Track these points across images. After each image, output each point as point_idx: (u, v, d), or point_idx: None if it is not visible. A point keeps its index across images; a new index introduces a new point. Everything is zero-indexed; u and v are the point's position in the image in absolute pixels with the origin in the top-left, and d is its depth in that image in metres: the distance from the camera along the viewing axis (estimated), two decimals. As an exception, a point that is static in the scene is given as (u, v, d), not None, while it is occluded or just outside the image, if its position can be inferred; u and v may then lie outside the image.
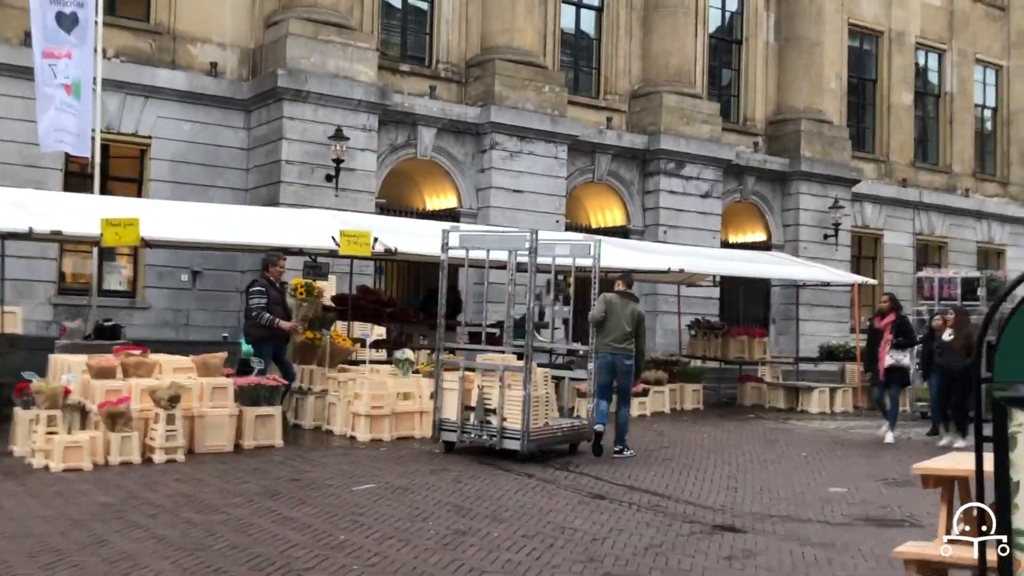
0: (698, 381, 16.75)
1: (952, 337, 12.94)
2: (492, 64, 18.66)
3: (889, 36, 26.09)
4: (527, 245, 9.79)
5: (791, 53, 23.65)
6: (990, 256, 27.75)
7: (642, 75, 21.47)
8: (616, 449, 10.42)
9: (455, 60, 19.22)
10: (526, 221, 17.19)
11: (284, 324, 11.28)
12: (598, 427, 10.29)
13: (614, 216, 21.11)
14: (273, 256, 11.45)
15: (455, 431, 9.90)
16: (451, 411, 9.96)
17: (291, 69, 16.16)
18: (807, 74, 23.56)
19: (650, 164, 20.80)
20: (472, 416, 9.83)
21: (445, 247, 10.15)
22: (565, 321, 10.58)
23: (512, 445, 9.58)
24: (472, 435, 9.82)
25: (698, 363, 17.92)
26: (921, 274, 17.39)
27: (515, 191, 18.47)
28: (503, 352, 10.55)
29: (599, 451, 10.32)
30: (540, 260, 10.39)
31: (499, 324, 12.61)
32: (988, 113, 28.70)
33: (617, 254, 14.12)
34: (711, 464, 10.25)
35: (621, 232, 20.04)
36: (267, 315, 11.02)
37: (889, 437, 12.74)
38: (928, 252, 26.73)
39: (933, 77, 27.48)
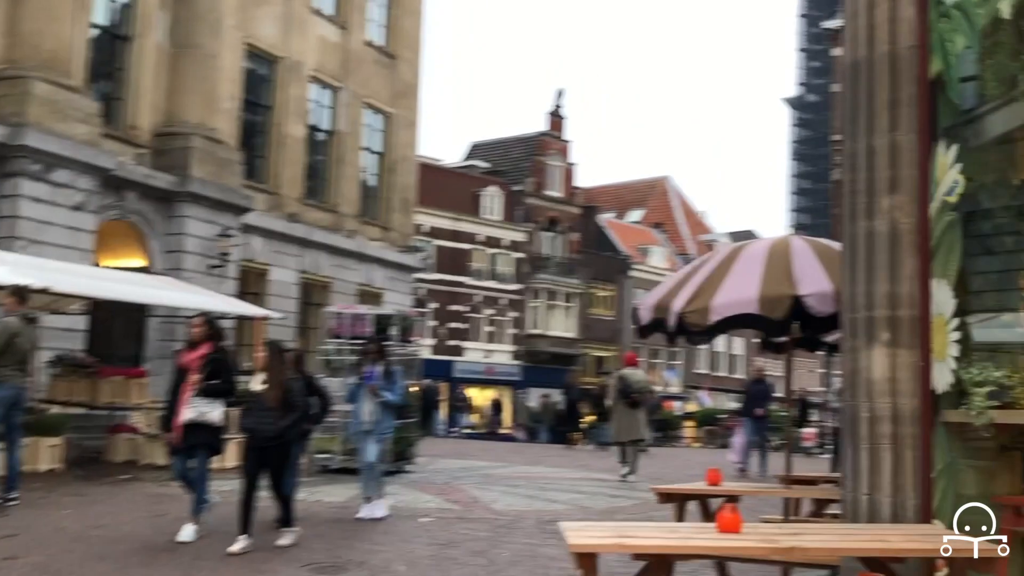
0: (59, 433, 13.48)
1: (267, 386, 8.35)
2: None
3: (286, 64, 25.13)
4: None
5: (185, 61, 21.38)
6: (369, 298, 28.04)
7: (6, 55, 17.51)
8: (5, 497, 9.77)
9: None
10: None
11: None
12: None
13: (-45, 223, 16.77)
14: None
15: None
16: None
17: None
18: (201, 88, 21.48)
19: (10, 163, 16.91)
20: None
21: None
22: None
23: None
24: None
25: (58, 409, 14.61)
26: (332, 309, 16.30)
27: None
28: None
29: None
30: None
31: None
32: (376, 158, 29.24)
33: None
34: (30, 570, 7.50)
35: (-36, 243, 15.89)
36: None
37: (187, 532, 8.48)
38: (312, 291, 26.13)
39: (327, 114, 27.11)
